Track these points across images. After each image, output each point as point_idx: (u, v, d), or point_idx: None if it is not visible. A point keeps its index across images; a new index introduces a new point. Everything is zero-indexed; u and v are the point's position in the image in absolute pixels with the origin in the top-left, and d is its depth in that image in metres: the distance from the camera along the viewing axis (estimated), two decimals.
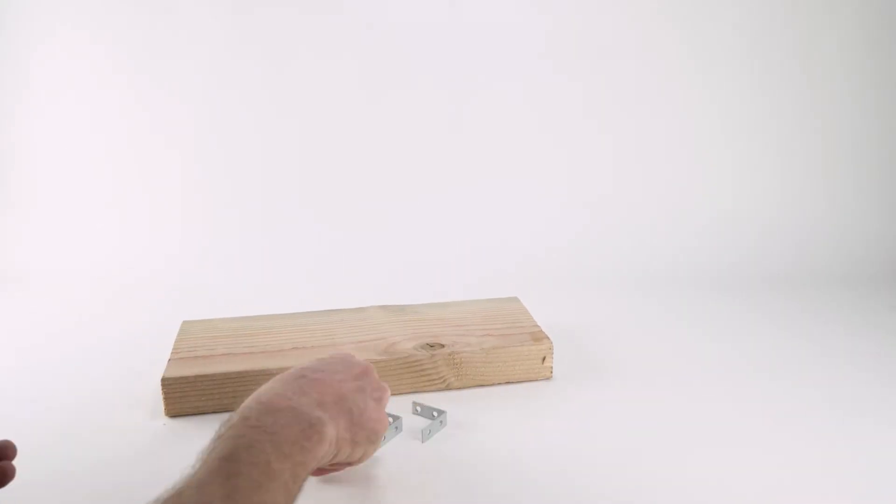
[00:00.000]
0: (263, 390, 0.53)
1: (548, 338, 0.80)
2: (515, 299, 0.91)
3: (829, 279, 1.14)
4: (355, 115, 1.26)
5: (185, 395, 0.72)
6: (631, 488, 0.61)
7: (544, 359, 0.79)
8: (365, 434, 0.56)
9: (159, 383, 0.72)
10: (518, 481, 0.62)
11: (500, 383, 0.79)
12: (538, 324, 0.84)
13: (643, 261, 1.20)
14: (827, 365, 0.84)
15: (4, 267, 1.20)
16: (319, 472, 0.60)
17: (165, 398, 0.72)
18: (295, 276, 1.16)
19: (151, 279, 1.15)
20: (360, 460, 0.58)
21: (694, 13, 1.26)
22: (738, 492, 0.60)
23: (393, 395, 0.76)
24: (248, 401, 0.52)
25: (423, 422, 0.71)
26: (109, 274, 1.18)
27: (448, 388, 0.78)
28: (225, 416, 0.71)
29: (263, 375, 0.72)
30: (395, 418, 0.69)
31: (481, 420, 0.71)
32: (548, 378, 0.80)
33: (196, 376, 0.72)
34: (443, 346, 0.78)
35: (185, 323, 0.85)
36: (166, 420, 0.72)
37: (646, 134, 1.29)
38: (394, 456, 0.66)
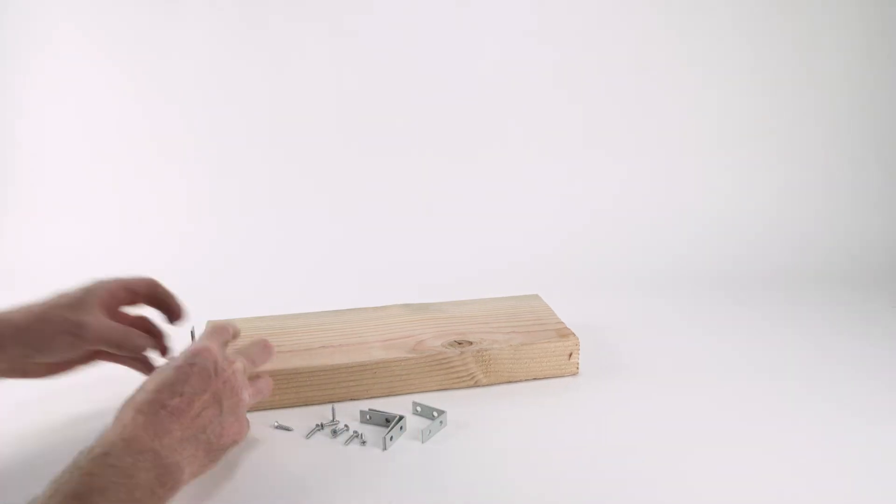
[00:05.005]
0: (128, 420, 0.53)
1: (573, 334, 0.81)
2: (537, 296, 0.92)
3: (829, 279, 1.16)
4: (370, 115, 1.27)
5: None
6: (631, 489, 0.61)
7: (570, 355, 0.80)
8: (223, 452, 0.59)
9: None
10: (520, 481, 0.62)
11: (527, 379, 0.79)
12: (562, 320, 0.85)
13: (651, 260, 1.21)
14: (828, 364, 0.85)
15: (5, 266, 1.18)
16: None
17: None
18: (308, 276, 1.16)
19: (163, 278, 1.14)
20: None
21: (694, 14, 1.28)
22: (743, 492, 0.60)
23: (421, 392, 0.77)
24: (112, 431, 0.52)
25: (423, 422, 0.71)
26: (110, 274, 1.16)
27: (476, 384, 0.78)
28: (258, 414, 0.71)
29: (294, 374, 0.73)
30: (400, 418, 0.69)
31: (508, 416, 0.72)
32: (574, 374, 0.81)
33: None
34: (471, 343, 0.79)
35: (209, 323, 0.84)
36: None
37: (647, 135, 1.31)
38: (394, 456, 0.66)
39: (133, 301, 0.72)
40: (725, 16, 1.28)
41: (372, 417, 0.71)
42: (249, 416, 0.72)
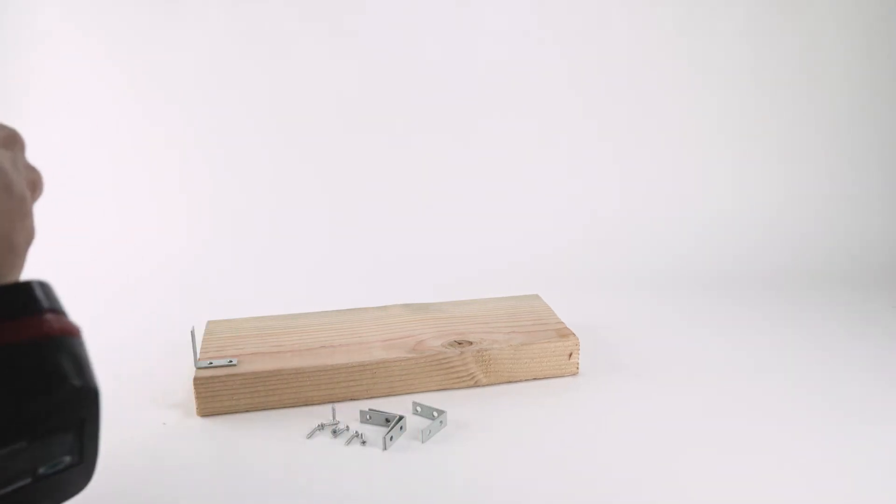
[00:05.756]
0: None
1: (573, 334, 0.81)
2: (536, 297, 0.92)
3: (829, 279, 1.16)
4: (370, 115, 1.27)
5: (216, 395, 0.72)
6: (631, 488, 0.61)
7: (570, 354, 0.80)
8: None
9: (163, 383, 0.72)
10: (520, 481, 0.62)
11: (527, 379, 0.79)
12: (562, 320, 0.85)
13: (651, 260, 1.21)
14: (827, 364, 0.84)
15: None
16: None
17: (198, 398, 0.71)
18: (308, 276, 1.16)
19: (163, 278, 1.14)
20: None
21: (694, 14, 1.28)
22: (743, 492, 0.60)
23: (421, 392, 0.77)
24: None
25: (423, 422, 0.71)
26: (108, 275, 1.16)
27: (476, 384, 0.78)
28: (258, 415, 0.71)
29: (295, 374, 0.73)
30: (400, 418, 0.69)
31: (508, 416, 0.72)
32: (574, 374, 0.81)
33: (227, 376, 0.72)
34: (471, 343, 0.79)
35: (210, 323, 0.84)
36: (166, 420, 0.72)
37: (647, 134, 1.31)
38: (394, 456, 0.66)
39: None
40: (726, 16, 1.28)
41: (372, 417, 0.71)
42: (252, 415, 0.73)
